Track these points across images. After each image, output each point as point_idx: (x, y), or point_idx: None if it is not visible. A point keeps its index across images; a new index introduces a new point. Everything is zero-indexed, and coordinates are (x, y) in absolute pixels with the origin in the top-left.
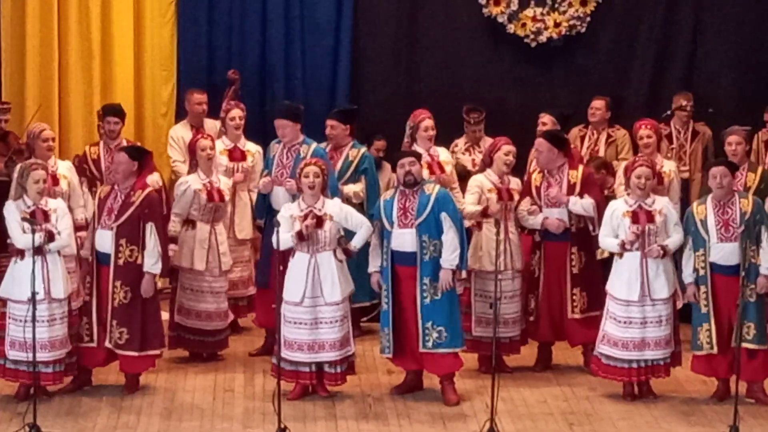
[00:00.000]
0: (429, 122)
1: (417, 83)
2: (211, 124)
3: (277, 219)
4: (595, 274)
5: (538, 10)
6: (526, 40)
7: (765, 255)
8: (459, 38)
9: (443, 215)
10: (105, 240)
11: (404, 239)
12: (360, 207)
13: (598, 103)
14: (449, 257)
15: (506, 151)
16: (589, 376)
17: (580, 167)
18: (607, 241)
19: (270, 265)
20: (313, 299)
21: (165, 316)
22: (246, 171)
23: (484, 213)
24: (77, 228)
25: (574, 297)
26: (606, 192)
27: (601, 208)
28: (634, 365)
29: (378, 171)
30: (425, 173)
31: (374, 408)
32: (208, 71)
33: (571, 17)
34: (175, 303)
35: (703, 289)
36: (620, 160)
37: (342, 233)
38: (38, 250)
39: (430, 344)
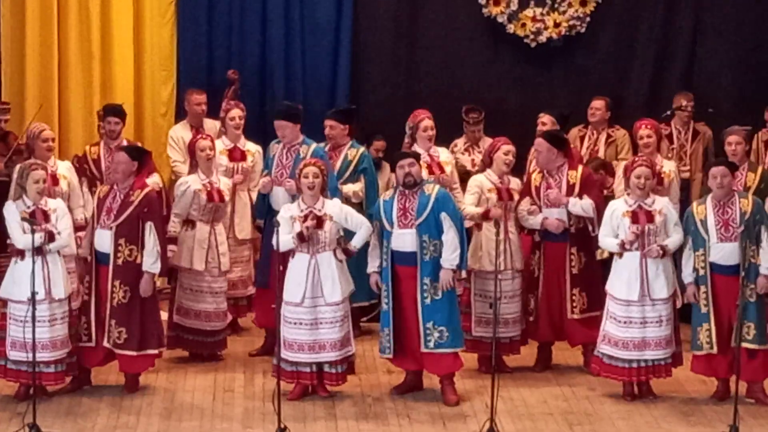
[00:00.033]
0: (429, 122)
1: (417, 83)
2: (211, 124)
3: (276, 219)
4: (594, 274)
5: (538, 10)
6: (525, 41)
7: (765, 255)
8: (459, 38)
9: (443, 215)
10: (104, 239)
11: (404, 239)
12: (359, 206)
13: (597, 104)
14: (449, 257)
15: (506, 150)
16: (589, 376)
17: (580, 167)
18: (606, 241)
19: (270, 266)
20: (314, 299)
21: (164, 316)
22: (246, 171)
23: (485, 216)
24: (77, 228)
25: (574, 297)
26: (605, 192)
27: (600, 208)
28: (635, 365)
29: (377, 171)
30: (424, 173)
31: (374, 408)
32: (208, 71)
33: (570, 17)
34: (174, 303)
35: (702, 289)
36: (620, 160)
37: (342, 233)
38: (38, 251)
39: (431, 344)
